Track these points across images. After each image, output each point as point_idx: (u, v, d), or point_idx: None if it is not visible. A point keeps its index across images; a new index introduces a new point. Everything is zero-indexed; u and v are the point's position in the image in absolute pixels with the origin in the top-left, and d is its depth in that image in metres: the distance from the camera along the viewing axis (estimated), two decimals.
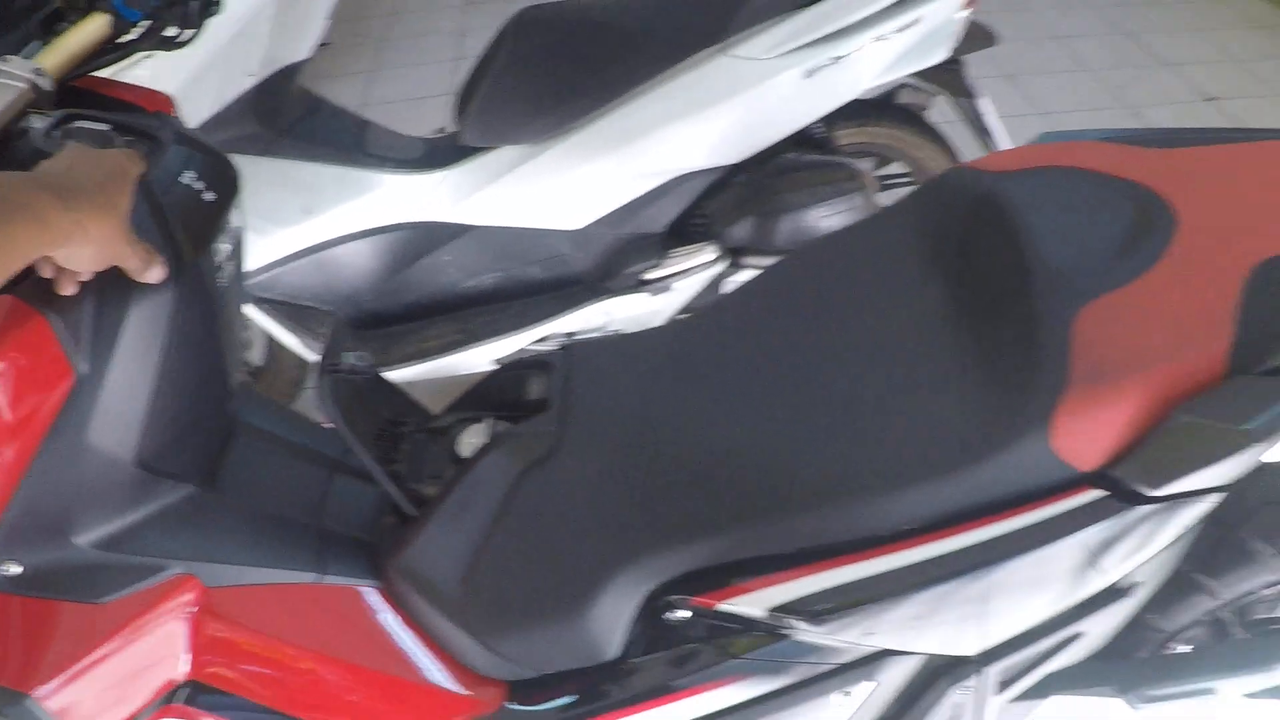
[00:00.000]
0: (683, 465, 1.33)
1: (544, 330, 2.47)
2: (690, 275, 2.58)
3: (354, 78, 4.86)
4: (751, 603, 1.28)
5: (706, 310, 1.57)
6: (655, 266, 2.55)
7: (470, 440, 1.47)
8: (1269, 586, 1.73)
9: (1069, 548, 1.31)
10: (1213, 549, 1.68)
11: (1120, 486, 1.30)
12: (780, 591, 1.27)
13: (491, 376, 1.54)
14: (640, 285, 2.55)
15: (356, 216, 2.41)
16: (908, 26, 2.51)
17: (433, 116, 4.20)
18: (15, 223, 0.92)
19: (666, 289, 2.55)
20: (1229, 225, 1.43)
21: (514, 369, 1.53)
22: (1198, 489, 1.32)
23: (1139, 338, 1.31)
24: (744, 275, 2.66)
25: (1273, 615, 1.91)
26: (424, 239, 2.44)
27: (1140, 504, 1.31)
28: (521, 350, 2.46)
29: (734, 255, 2.65)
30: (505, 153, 2.41)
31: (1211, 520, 1.58)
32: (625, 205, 2.47)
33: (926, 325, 1.43)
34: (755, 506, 1.28)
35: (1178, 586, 1.68)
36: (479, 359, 2.45)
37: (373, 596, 1.31)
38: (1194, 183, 1.51)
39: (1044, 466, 1.28)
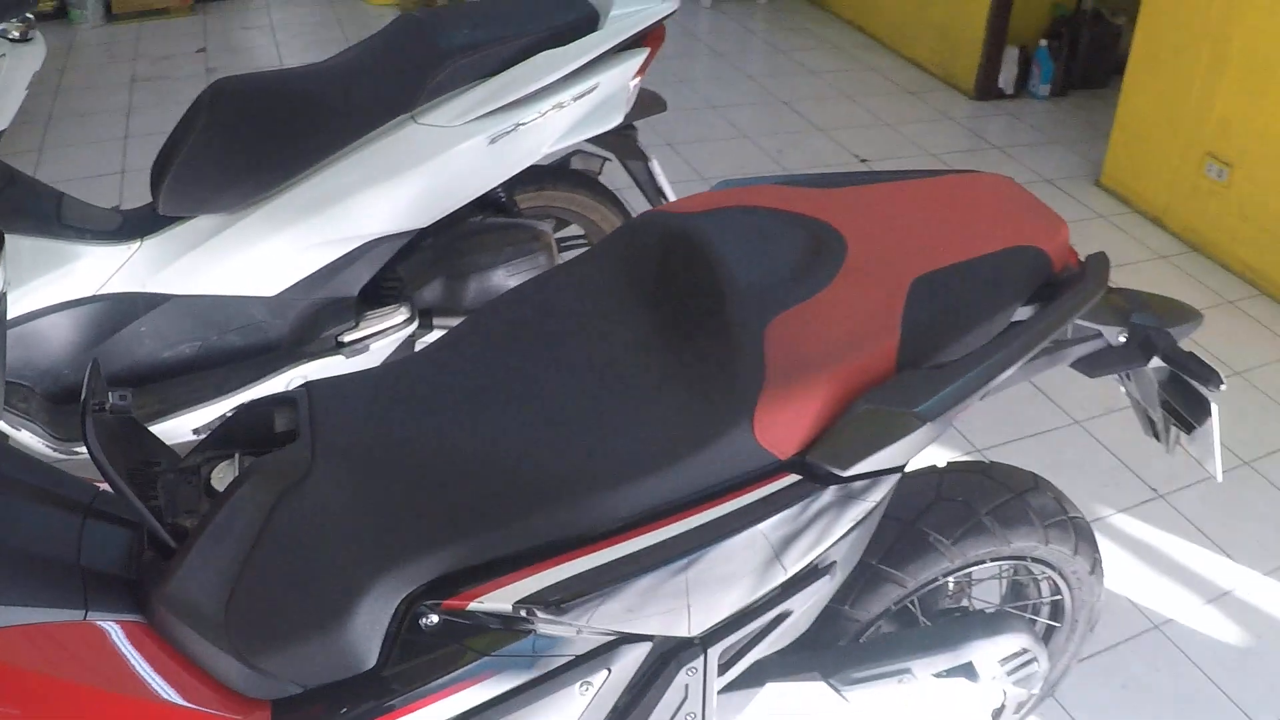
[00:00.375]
0: (428, 480, 1.40)
1: (242, 397, 2.47)
2: (385, 336, 2.65)
3: (22, 156, 4.70)
4: (498, 599, 1.35)
5: (436, 345, 1.64)
6: (351, 329, 2.61)
7: (222, 475, 1.49)
8: (947, 574, 1.92)
9: (772, 528, 1.46)
10: (895, 542, 1.86)
11: (813, 470, 1.46)
12: (524, 585, 1.35)
13: (236, 415, 1.55)
14: (337, 348, 2.59)
15: (54, 289, 2.36)
16: (585, 94, 2.67)
17: (103, 195, 4.15)
18: None
19: (363, 350, 2.61)
20: (889, 249, 1.66)
21: (258, 405, 1.55)
22: (880, 469, 1.51)
23: (822, 341, 1.49)
24: (435, 335, 2.74)
25: (952, 605, 2.13)
26: (123, 310, 2.42)
27: (832, 484, 1.48)
28: (222, 416, 2.46)
29: (425, 316, 2.74)
30: (202, 222, 2.42)
31: (891, 516, 1.82)
32: (320, 271, 2.52)
33: (635, 345, 1.56)
34: (496, 510, 1.36)
35: (868, 579, 1.86)
36: (180, 428, 2.44)
37: (138, 630, 1.31)
38: (857, 215, 1.74)
39: (750, 455, 1.42)
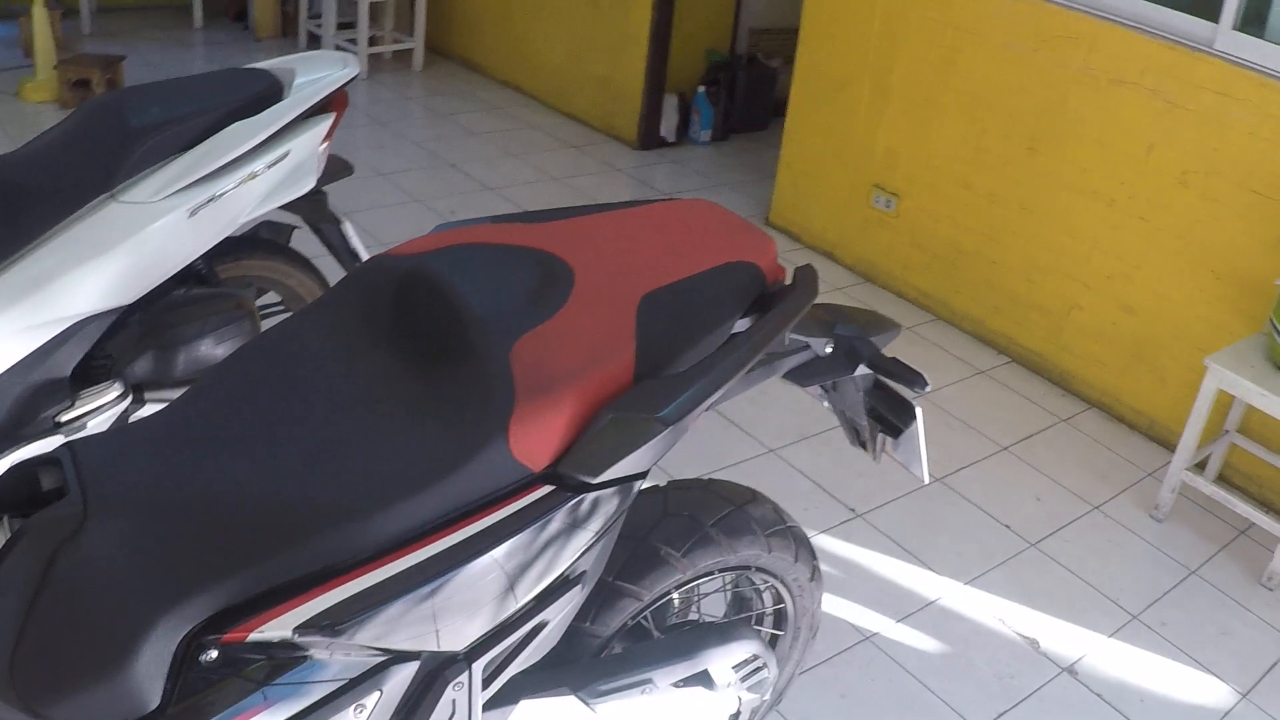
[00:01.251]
0: (199, 520, 1.40)
1: None
2: (100, 414, 2.65)
3: None
4: (275, 627, 1.36)
5: (185, 397, 1.64)
6: (66, 409, 2.60)
7: None
8: (679, 586, 2.04)
9: (527, 540, 1.53)
10: (629, 558, 1.95)
11: (565, 480, 1.55)
12: (299, 613, 1.37)
13: (0, 479, 1.53)
14: (55, 428, 2.59)
15: None
16: (277, 161, 2.77)
17: None
18: None
19: (80, 429, 2.61)
20: (613, 272, 1.78)
21: (20, 468, 1.53)
22: (628, 474, 1.62)
23: (566, 359, 1.57)
24: (149, 409, 2.76)
25: (681, 619, 2.26)
26: None
27: (583, 492, 1.57)
28: None
29: (137, 391, 2.76)
30: None
31: (624, 535, 1.88)
32: (31, 354, 2.50)
33: (383, 379, 1.61)
34: (265, 543, 1.37)
35: (606, 595, 1.93)
36: None
37: None
38: (578, 243, 1.85)
39: (506, 470, 1.49)
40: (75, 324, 2.57)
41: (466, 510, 1.49)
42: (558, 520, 1.56)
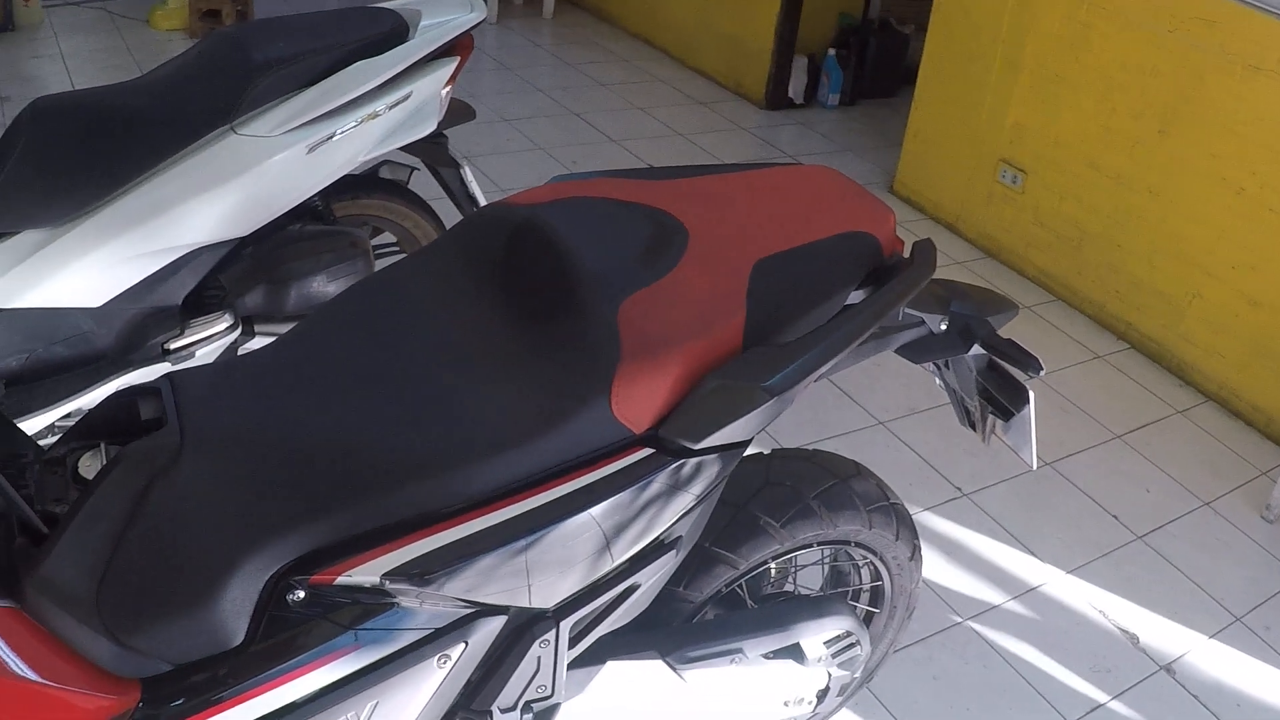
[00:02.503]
0: (294, 461, 1.41)
1: (70, 407, 2.49)
2: (209, 344, 2.68)
3: None
4: (364, 572, 1.36)
5: (290, 336, 1.65)
6: (176, 337, 2.63)
7: (89, 464, 1.49)
8: (775, 556, 2.00)
9: (624, 502, 1.51)
10: (728, 525, 1.92)
11: (666, 444, 1.53)
12: (388, 559, 1.37)
13: (100, 406, 1.54)
14: (163, 355, 2.62)
15: None
16: (399, 102, 2.77)
17: None
18: None
19: (188, 358, 2.64)
20: (729, 235, 1.75)
21: (121, 396, 1.54)
22: (729, 442, 1.59)
23: (673, 320, 1.55)
24: (258, 341, 2.79)
25: (777, 589, 2.22)
26: None
27: (684, 457, 1.54)
28: (51, 427, 2.47)
29: (247, 323, 2.79)
30: (27, 236, 2.41)
31: (723, 500, 1.86)
32: (144, 280, 2.53)
33: (488, 330, 1.60)
34: (359, 488, 1.37)
35: (702, 560, 1.91)
36: None
37: (9, 615, 1.29)
38: (695, 204, 1.82)
39: (606, 429, 1.48)
40: (189, 253, 2.60)
41: (562, 468, 1.47)
42: (656, 484, 1.54)
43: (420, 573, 1.40)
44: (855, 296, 1.77)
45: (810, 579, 2.36)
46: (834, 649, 2.00)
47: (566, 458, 1.47)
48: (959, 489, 3.55)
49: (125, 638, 1.29)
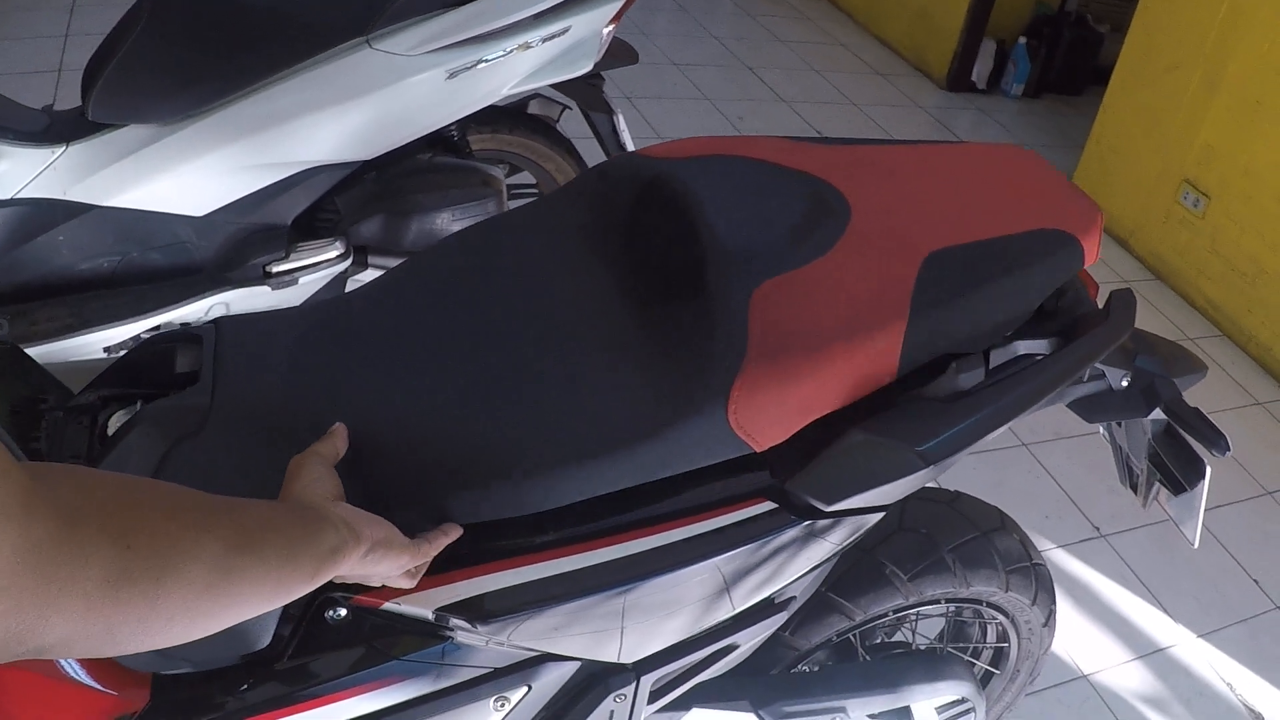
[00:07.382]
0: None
1: (160, 319, 2.35)
2: (315, 270, 2.52)
3: None
4: (417, 602, 1.21)
5: (371, 286, 1.46)
6: (280, 260, 2.48)
7: (116, 418, 1.35)
8: (898, 611, 1.79)
9: (734, 558, 1.31)
10: (850, 570, 1.71)
11: (793, 500, 1.31)
12: (448, 592, 1.21)
13: (137, 350, 1.40)
14: (264, 278, 2.46)
15: None
16: (555, 36, 2.55)
17: (38, 93, 3.96)
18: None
19: (291, 283, 2.48)
20: (900, 217, 1.45)
21: (161, 342, 1.39)
22: (866, 506, 1.35)
23: (817, 315, 1.28)
24: (370, 274, 2.61)
25: (890, 640, 2.03)
26: (40, 216, 2.26)
27: (813, 517, 1.32)
28: (136, 338, 2.33)
29: (360, 253, 2.62)
30: (132, 131, 2.27)
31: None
32: (252, 194, 2.39)
33: (597, 303, 1.38)
34: (420, 489, 1.19)
35: (814, 606, 1.70)
36: (90, 346, 2.30)
37: None
38: (865, 177, 1.53)
39: (719, 442, 1.22)
40: (305, 171, 2.44)
41: (667, 483, 1.25)
42: (776, 542, 1.32)
43: (483, 613, 1.22)
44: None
45: (928, 626, 2.17)
46: (946, 715, 1.80)
47: (668, 469, 1.23)
48: (1097, 528, 3.35)
49: None
